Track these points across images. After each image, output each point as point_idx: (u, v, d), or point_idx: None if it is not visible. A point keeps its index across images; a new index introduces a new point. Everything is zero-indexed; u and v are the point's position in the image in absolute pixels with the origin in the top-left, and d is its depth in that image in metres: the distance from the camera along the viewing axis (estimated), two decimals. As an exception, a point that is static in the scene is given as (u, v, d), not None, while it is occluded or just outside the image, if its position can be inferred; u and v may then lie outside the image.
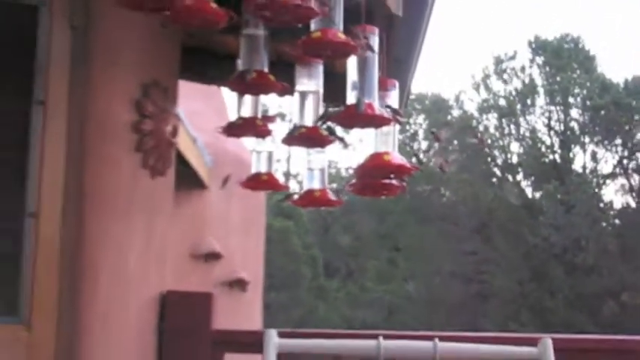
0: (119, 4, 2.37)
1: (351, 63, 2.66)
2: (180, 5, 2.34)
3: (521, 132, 31.50)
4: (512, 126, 31.54)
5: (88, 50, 2.84)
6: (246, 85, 2.84)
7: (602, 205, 29.87)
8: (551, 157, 31.08)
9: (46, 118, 2.79)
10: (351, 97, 2.64)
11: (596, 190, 30.34)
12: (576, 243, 27.88)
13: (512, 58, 32.04)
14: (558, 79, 30.83)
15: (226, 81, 2.88)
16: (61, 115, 2.81)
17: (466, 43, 50.25)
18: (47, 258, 2.79)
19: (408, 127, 32.46)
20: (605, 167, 30.66)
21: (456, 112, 33.04)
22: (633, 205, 30.20)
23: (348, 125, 2.83)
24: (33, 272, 2.76)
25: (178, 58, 3.28)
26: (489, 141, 30.75)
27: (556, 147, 31.06)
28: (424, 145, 33.28)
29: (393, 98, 2.91)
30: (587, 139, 30.93)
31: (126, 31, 2.86)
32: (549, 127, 31.20)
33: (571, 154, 30.86)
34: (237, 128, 3.06)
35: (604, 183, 30.74)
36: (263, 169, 3.28)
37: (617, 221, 29.88)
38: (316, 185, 3.14)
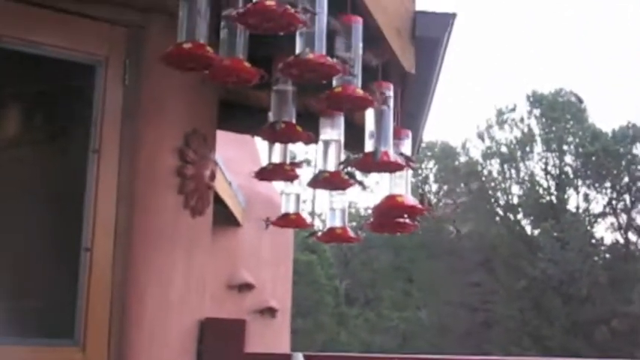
0: (165, 64, 2.40)
1: (369, 115, 2.67)
2: (219, 65, 2.36)
3: (521, 176, 31.38)
4: (512, 170, 31.42)
5: (137, 104, 2.87)
6: (276, 135, 2.85)
7: (593, 241, 29.61)
8: (547, 198, 30.90)
9: (99, 164, 2.81)
10: (368, 146, 2.65)
11: (589, 227, 30.10)
12: (571, 276, 27.60)
13: (513, 110, 32.01)
14: (554, 128, 30.77)
15: (258, 130, 2.89)
16: (113, 161, 2.83)
17: (471, 96, 50.22)
18: (99, 287, 2.79)
19: (419, 172, 32.38)
20: (597, 207, 30.48)
21: (462, 158, 32.95)
22: (622, 241, 29.90)
23: (366, 170, 2.83)
24: (87, 300, 2.77)
25: (216, 111, 3.30)
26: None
27: (552, 189, 30.90)
28: (434, 187, 33.18)
29: (407, 146, 2.92)
30: (579, 182, 30.77)
31: (171, 87, 2.88)
32: (546, 172, 31.06)
33: (566, 196, 30.67)
34: (268, 173, 3.07)
35: (595, 221, 30.50)
36: (291, 209, 3.29)
37: (607, 255, 29.59)
38: (338, 223, 3.14)
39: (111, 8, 2.83)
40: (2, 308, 2.74)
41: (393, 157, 2.64)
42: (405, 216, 2.93)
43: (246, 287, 6.75)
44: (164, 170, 2.91)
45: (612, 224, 30.35)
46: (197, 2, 2.39)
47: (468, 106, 47.29)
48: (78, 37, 2.81)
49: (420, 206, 2.82)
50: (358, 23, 2.55)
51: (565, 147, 30.72)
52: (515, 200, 31.34)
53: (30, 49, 2.76)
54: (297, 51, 2.30)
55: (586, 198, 30.64)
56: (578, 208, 30.52)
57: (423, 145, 30.08)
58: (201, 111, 3.11)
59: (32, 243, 2.83)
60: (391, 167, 2.70)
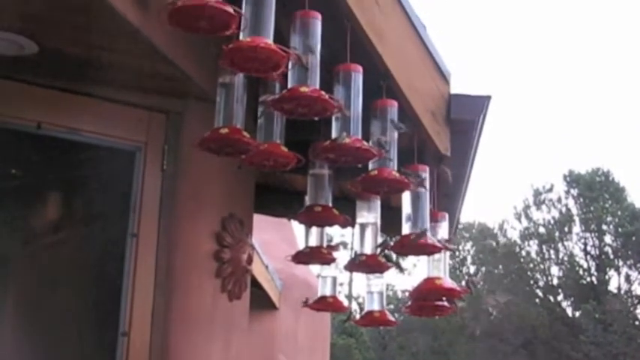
0: (203, 150, 2.44)
1: (406, 198, 2.67)
2: (255, 149, 2.38)
3: (560, 257, 30.93)
4: (551, 251, 31.01)
5: (175, 189, 2.89)
6: (312, 218, 2.86)
7: (637, 323, 28.90)
8: (588, 279, 30.35)
9: (138, 248, 2.82)
10: (406, 228, 2.64)
11: (631, 309, 29.43)
12: (615, 358, 26.88)
13: (550, 190, 31.78)
14: (592, 208, 30.42)
15: (295, 214, 2.90)
16: (151, 245, 2.84)
17: (508, 176, 50.05)
18: (137, 372, 2.77)
19: (457, 254, 32.09)
20: (639, 288, 29.85)
21: (500, 240, 32.63)
22: (666, 322, 29.17)
23: (403, 253, 2.82)
24: (125, 384, 2.75)
25: (253, 194, 3.31)
26: (532, 265, 30.16)
27: (592, 270, 30.37)
28: (472, 269, 32.81)
29: (444, 228, 2.90)
30: (620, 263, 30.24)
31: (208, 171, 2.90)
32: (585, 252, 30.60)
33: (606, 277, 30.11)
34: (305, 256, 3.07)
35: (638, 302, 29.83)
36: (328, 292, 3.27)
37: (652, 338, 28.82)
38: (375, 307, 3.11)
39: (150, 95, 2.88)
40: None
41: (430, 239, 2.63)
42: (444, 299, 2.90)
43: (283, 372, 6.67)
44: (201, 254, 2.92)
45: (655, 305, 29.69)
46: (234, 88, 2.44)
47: (505, 187, 47.17)
48: (117, 123, 2.86)
49: (458, 289, 2.79)
50: (394, 107, 2.57)
51: (604, 227, 30.32)
52: (555, 281, 30.84)
53: (70, 136, 2.81)
54: (333, 135, 2.32)
55: (627, 279, 30.06)
56: (619, 289, 29.93)
57: (460, 226, 29.92)
58: (238, 195, 3.13)
59: (70, 327, 2.83)
60: (428, 249, 2.68)
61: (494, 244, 32.20)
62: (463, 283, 2.73)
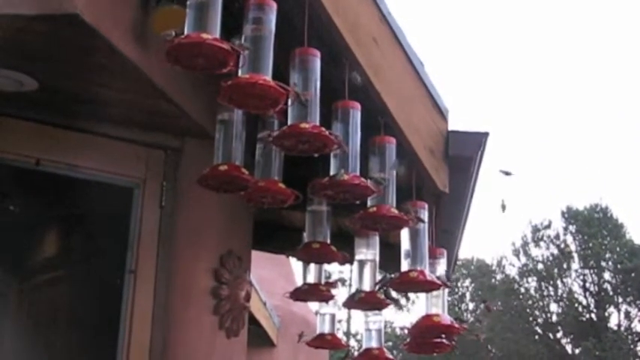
0: (202, 186, 2.44)
1: (404, 234, 2.67)
2: (254, 186, 2.38)
3: (559, 293, 30.83)
4: (550, 288, 30.92)
5: (174, 225, 2.89)
6: (311, 255, 2.85)
7: (637, 360, 28.75)
8: (587, 316, 30.23)
9: (136, 284, 2.81)
10: (404, 265, 2.64)
11: (632, 346, 29.27)
12: (616, 397, 26.68)
13: (548, 226, 31.77)
14: (590, 245, 30.38)
15: (294, 251, 2.89)
16: (149, 282, 2.83)
17: (506, 212, 50.15)
18: (134, 410, 2.75)
19: (456, 290, 31.99)
20: (639, 325, 29.70)
21: (499, 276, 32.54)
22: (667, 360, 29.01)
23: (402, 290, 2.81)
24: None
25: (251, 231, 3.31)
26: (530, 302, 30.07)
27: (592, 307, 30.26)
28: (471, 306, 32.69)
29: (442, 265, 2.90)
30: (620, 299, 30.12)
31: (207, 208, 2.90)
32: (585, 289, 30.51)
33: (606, 314, 29.99)
34: (303, 293, 3.06)
35: (639, 340, 29.67)
36: (326, 329, 3.25)
37: (652, 375, 28.64)
38: (374, 344, 3.09)
39: (149, 132, 2.89)
40: None
41: (428, 275, 2.62)
42: (442, 336, 2.89)
43: (281, 411, 6.60)
44: (199, 291, 2.91)
45: (655, 342, 29.53)
46: (233, 125, 2.45)
47: (503, 223, 47.05)
48: (116, 160, 2.86)
49: (457, 325, 2.78)
50: (392, 144, 2.58)
51: (603, 263, 30.27)
52: (555, 318, 30.71)
53: (68, 173, 2.81)
54: (332, 172, 2.32)
55: (627, 315, 29.94)
56: (619, 326, 29.79)
57: (459, 262, 29.85)
58: (237, 232, 3.12)
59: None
60: (427, 286, 2.68)
61: (492, 280, 32.11)
62: (481, 305, 2.71)
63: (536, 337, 30.47)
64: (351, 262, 2.97)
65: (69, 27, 2.17)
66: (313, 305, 3.53)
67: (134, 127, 2.85)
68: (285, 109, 2.15)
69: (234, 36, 2.05)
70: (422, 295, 2.83)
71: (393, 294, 2.87)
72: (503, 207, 3.18)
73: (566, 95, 55.50)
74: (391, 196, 2.50)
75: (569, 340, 30.35)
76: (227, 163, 2.38)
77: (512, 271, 32.00)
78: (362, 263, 2.94)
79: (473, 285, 32.90)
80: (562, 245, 30.93)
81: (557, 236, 31.39)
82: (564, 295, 30.68)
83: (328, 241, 2.83)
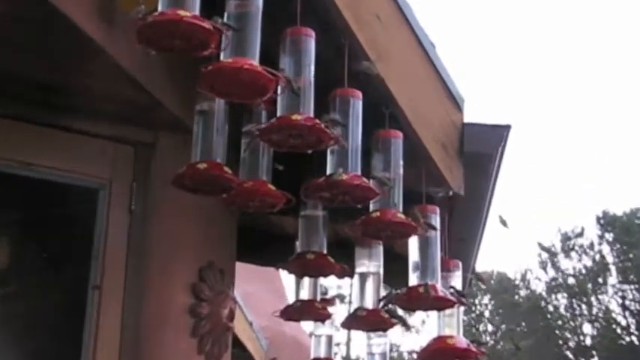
0: (178, 188, 2.45)
1: (413, 243, 2.68)
2: (239, 188, 2.40)
3: (594, 312, 30.88)
4: (583, 306, 30.97)
5: (145, 233, 2.89)
6: (304, 267, 2.86)
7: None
8: (627, 339, 30.27)
9: (101, 302, 2.82)
10: (413, 279, 2.65)
11: (678, 374, 29.32)
12: None
13: (580, 234, 31.83)
14: (631, 255, 30.41)
15: (284, 262, 2.91)
16: (116, 299, 2.84)
17: (531, 218, 50.08)
18: None
19: (473, 309, 32.05)
20: (686, 349, 29.74)
21: (523, 292, 32.60)
22: None
23: (410, 308, 2.83)
24: None
25: (235, 240, 3.32)
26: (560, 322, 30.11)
27: (632, 328, 30.30)
28: (490, 327, 32.74)
29: (457, 279, 2.92)
30: (665, 320, 30.19)
31: (184, 213, 2.91)
32: (624, 307, 30.56)
33: (648, 336, 30.05)
34: (296, 311, 3.07)
35: (686, 366, 29.73)
36: (322, 353, 3.27)
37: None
38: (378, 371, 3.11)
39: (116, 125, 2.89)
40: None
41: (441, 291, 2.64)
42: (457, 361, 2.90)
43: None
44: (175, 309, 2.92)
45: None
46: (214, 117, 2.46)
47: (528, 231, 47.16)
48: (78, 157, 2.87)
49: (474, 349, 2.79)
50: (398, 138, 2.59)
51: (645, 277, 30.33)
52: (588, 341, 30.76)
53: (23, 172, 2.81)
54: (329, 171, 2.33)
55: (673, 338, 30.02)
56: (663, 349, 29.86)
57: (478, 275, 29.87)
58: (219, 241, 3.13)
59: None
60: (439, 303, 2.69)
61: (516, 297, 32.15)
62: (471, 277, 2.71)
63: (567, 363, 30.52)
64: (351, 276, 2.98)
65: (28, 5, 2.18)
66: (307, 326, 3.54)
67: (99, 119, 2.85)
68: (275, 99, 2.16)
69: (216, 14, 2.07)
70: (433, 314, 2.84)
71: (400, 312, 2.89)
72: (503, 222, 3.22)
73: (600, 83, 55.60)
74: (397, 199, 2.51)
75: (605, 366, 30.41)
76: (207, 161, 2.39)
77: (539, 287, 32.10)
78: (363, 277, 2.95)
79: (493, 302, 32.96)
80: (597, 256, 30.96)
81: (592, 246, 31.47)
82: (600, 315, 30.74)
83: (325, 251, 2.84)
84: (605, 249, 31.13)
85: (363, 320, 2.89)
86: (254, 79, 2.03)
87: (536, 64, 59.07)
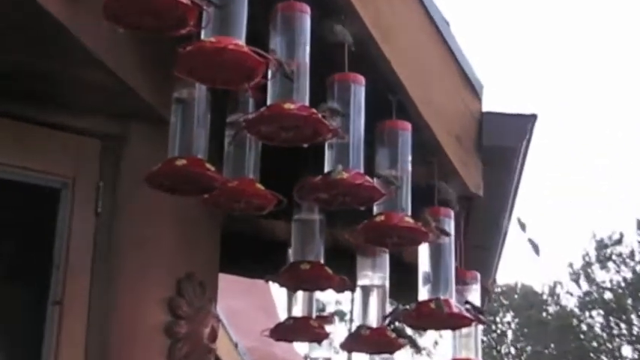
0: (152, 187, 2.46)
1: (423, 252, 2.69)
2: (223, 187, 2.41)
3: (634, 332, 30.90)
4: (622, 325, 30.99)
5: (113, 240, 2.90)
6: (298, 279, 2.87)
7: None
8: (674, 362, 30.32)
9: (62, 320, 2.82)
10: (423, 293, 2.66)
11: None
12: None
13: (619, 242, 31.82)
14: (678, 266, 30.45)
15: (275, 274, 2.92)
16: (80, 316, 2.84)
17: (560, 221, 50.02)
18: None
19: (493, 327, 32.04)
20: None
21: (552, 309, 32.61)
22: None
23: (420, 326, 2.84)
24: None
25: (218, 247, 3.33)
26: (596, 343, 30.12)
27: (680, 350, 30.35)
28: (513, 349, 32.76)
29: (474, 293, 2.93)
30: None
31: (158, 217, 2.92)
32: (669, 326, 30.60)
33: (699, 359, 30.11)
34: (288, 330, 3.08)
35: None
36: (319, 379, 3.28)
37: None
38: (384, 399, 3.12)
39: (80, 115, 2.90)
40: None
41: (456, 307, 2.65)
42: (476, 388, 2.92)
43: None
44: (148, 328, 2.93)
45: None
46: (194, 106, 2.47)
47: (557, 236, 47.12)
48: (36, 152, 2.87)
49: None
50: (406, 130, 2.60)
51: (695, 291, 30.37)
52: (629, 365, 30.79)
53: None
54: (327, 168, 2.35)
55: None
56: None
57: (498, 290, 29.89)
58: (199, 249, 3.14)
59: None
60: (454, 321, 2.71)
61: (543, 314, 32.16)
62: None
63: (604, 391, 30.57)
64: (352, 289, 3.00)
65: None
66: (301, 347, 3.55)
67: (61, 108, 2.86)
68: (264, 85, 2.17)
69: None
70: (447, 334, 2.86)
71: (409, 331, 2.90)
72: (522, 225, 3.23)
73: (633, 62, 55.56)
74: (405, 201, 2.52)
75: (647, 394, 30.47)
76: (186, 157, 2.40)
77: (570, 302, 32.09)
78: (366, 290, 2.96)
79: (517, 320, 32.95)
80: (638, 267, 30.98)
81: (632, 255, 31.46)
82: (641, 335, 30.76)
83: (321, 261, 2.85)
84: (648, 257, 31.18)
85: (366, 341, 2.90)
86: (240, 61, 2.04)
87: (566, 42, 59.04)
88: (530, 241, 2.85)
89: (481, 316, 2.80)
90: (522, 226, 3.15)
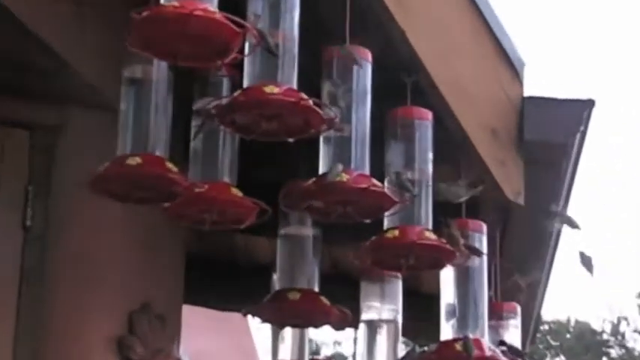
0: (96, 193, 2.45)
1: (446, 277, 2.70)
2: (188, 193, 2.40)
3: None
4: None
5: (47, 261, 2.90)
6: (285, 313, 2.88)
7: None
8: None
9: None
10: (446, 330, 2.67)
11: None
12: None
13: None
14: None
15: (255, 306, 2.92)
16: (2, 357, 2.85)
17: (622, 239, 49.98)
18: None
19: (539, 374, 32.10)
20: None
21: (614, 352, 32.68)
22: None
23: (443, 373, 2.84)
24: None
25: (182, 272, 3.33)
26: None
27: None
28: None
29: (513, 330, 2.93)
30: None
31: (105, 233, 2.93)
32: None
33: None
34: (273, 380, 3.09)
35: None
36: None
37: None
38: None
39: (2, 100, 2.89)
40: None
41: (489, 350, 2.66)
42: None
43: None
44: (92, 377, 2.94)
45: None
46: (151, 89, 2.46)
47: (620, 259, 47.10)
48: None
49: None
50: (425, 120, 2.61)
51: None
52: None
53: None
54: (322, 169, 2.35)
55: None
56: None
57: (544, 327, 29.95)
58: (158, 273, 3.15)
59: None
60: (487, 368, 2.71)
61: (604, 359, 32.24)
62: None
63: None
64: (355, 326, 3.00)
65: None
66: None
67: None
68: (241, 62, 2.18)
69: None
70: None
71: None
72: (587, 263, 3.18)
73: None
74: (425, 211, 2.53)
75: None
76: (141, 154, 2.39)
77: (638, 343, 32.15)
78: (373, 327, 2.97)
79: (569, 365, 33.01)
80: None
81: None
82: None
83: (316, 289, 2.86)
84: None
85: (374, 392, 2.92)
86: (210, 31, 2.04)
87: (627, 12, 59.22)
88: (582, 255, 2.80)
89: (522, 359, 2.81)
90: (587, 265, 3.04)
